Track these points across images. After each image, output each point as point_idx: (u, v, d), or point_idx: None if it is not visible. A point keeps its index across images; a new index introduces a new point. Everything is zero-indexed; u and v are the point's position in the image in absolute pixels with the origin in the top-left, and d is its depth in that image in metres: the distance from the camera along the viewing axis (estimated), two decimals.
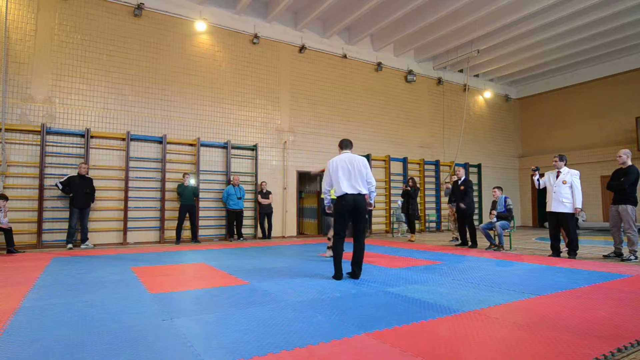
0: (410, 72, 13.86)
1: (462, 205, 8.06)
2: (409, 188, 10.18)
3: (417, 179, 10.76)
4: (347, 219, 4.64)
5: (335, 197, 4.76)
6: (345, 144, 4.92)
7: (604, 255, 6.63)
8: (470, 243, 8.28)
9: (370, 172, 4.73)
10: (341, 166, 4.63)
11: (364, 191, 4.62)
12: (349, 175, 4.60)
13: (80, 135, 8.80)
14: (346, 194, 4.55)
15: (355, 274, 4.63)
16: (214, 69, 10.53)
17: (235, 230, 10.15)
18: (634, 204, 6.24)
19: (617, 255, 6.42)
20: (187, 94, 10.12)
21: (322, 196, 4.90)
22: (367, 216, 4.67)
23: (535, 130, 17.00)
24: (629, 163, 6.38)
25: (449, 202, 9.07)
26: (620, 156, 6.44)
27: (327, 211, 4.97)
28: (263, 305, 3.42)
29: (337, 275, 4.60)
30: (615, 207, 6.39)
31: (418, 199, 10.59)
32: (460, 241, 8.62)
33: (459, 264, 5.90)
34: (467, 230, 8.35)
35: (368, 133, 12.99)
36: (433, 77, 14.71)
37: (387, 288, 4.15)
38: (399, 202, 12.26)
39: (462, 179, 8.34)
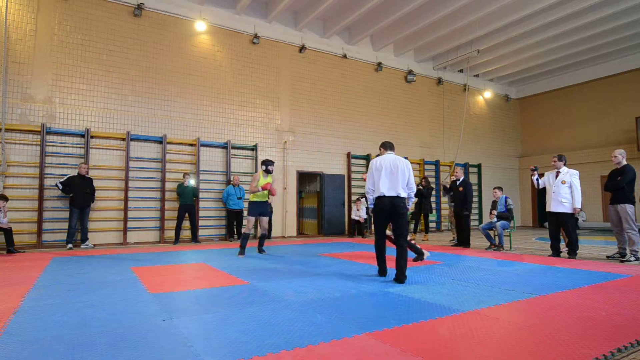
0: (410, 72, 13.86)
1: (465, 212, 8.10)
2: (421, 187, 10.17)
3: (428, 179, 10.70)
4: (384, 220, 4.66)
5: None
6: (388, 145, 4.87)
7: (607, 256, 6.61)
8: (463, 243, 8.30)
9: (412, 176, 4.66)
10: (385, 166, 4.60)
11: (403, 194, 4.55)
12: (390, 176, 4.56)
13: (80, 135, 8.80)
14: (384, 195, 4.54)
15: (399, 278, 4.46)
16: (214, 69, 10.53)
17: (235, 230, 10.15)
18: (632, 202, 6.24)
19: (622, 255, 6.41)
20: (187, 94, 10.12)
21: (367, 196, 4.82)
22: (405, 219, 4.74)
23: (535, 130, 17.00)
24: (624, 163, 6.39)
25: (445, 194, 9.17)
26: (615, 156, 6.44)
27: (371, 212, 4.87)
28: (263, 305, 3.42)
29: (381, 272, 4.81)
30: (614, 207, 6.39)
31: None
32: (457, 241, 8.62)
33: (458, 264, 5.90)
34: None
35: (368, 133, 12.99)
36: (433, 77, 14.71)
37: (387, 288, 4.15)
38: None
39: (461, 179, 8.33)
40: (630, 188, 6.26)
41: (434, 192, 14.08)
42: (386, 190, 4.53)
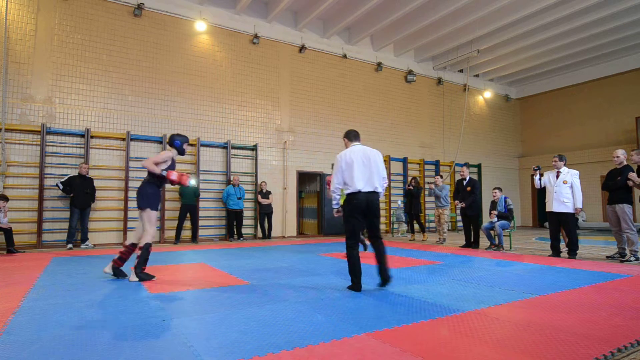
0: (410, 72, 13.87)
1: (462, 204, 8.05)
2: (411, 187, 10.15)
3: (417, 179, 10.73)
4: (360, 221, 4.04)
5: (344, 196, 4.14)
6: (355, 135, 4.29)
7: (607, 257, 6.61)
8: (473, 244, 8.23)
9: (385, 168, 4.21)
10: (356, 159, 4.02)
11: (380, 189, 4.07)
12: (364, 170, 4.01)
13: (80, 135, 8.80)
14: (360, 191, 3.96)
15: (385, 279, 4.01)
16: (214, 69, 10.54)
17: (235, 230, 10.15)
18: (630, 203, 6.24)
19: (622, 255, 6.40)
20: (187, 94, 10.12)
21: (332, 195, 4.17)
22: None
23: (535, 130, 17.01)
24: (625, 163, 6.39)
25: (455, 199, 8.95)
26: (617, 156, 6.42)
27: (336, 214, 4.29)
28: (263, 305, 3.42)
29: (356, 286, 3.99)
30: (612, 207, 6.39)
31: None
32: (465, 242, 8.51)
33: (459, 264, 5.90)
34: (472, 230, 8.26)
35: (368, 133, 12.98)
36: (433, 77, 14.71)
37: (387, 288, 4.15)
38: (399, 202, 12.28)
39: (468, 179, 8.31)
40: (628, 188, 6.26)
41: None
42: (362, 185, 3.96)
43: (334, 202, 4.22)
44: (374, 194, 4.04)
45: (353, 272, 4.02)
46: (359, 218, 4.03)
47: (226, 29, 10.75)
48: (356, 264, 4.00)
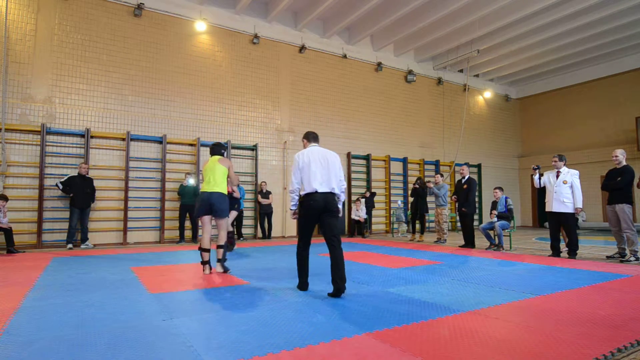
0: (410, 72, 13.86)
1: (463, 209, 8.05)
2: (417, 187, 10.13)
3: (422, 179, 10.68)
4: (314, 221, 3.99)
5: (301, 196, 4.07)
6: (313, 136, 4.31)
7: (607, 257, 6.61)
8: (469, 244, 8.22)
9: (342, 171, 4.16)
10: (314, 160, 4.01)
11: (337, 190, 4.03)
12: (322, 170, 3.99)
13: (80, 135, 8.80)
14: (316, 192, 3.91)
15: (339, 289, 3.75)
16: (214, 69, 10.53)
17: (235, 230, 10.14)
18: (630, 203, 6.24)
19: (622, 255, 6.40)
20: (187, 94, 10.12)
21: (290, 195, 4.13)
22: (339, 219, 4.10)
23: (535, 130, 17.01)
24: (624, 163, 6.39)
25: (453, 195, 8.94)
26: (616, 156, 6.42)
27: (293, 216, 4.16)
28: (263, 305, 3.42)
29: (302, 286, 4.04)
30: (612, 207, 6.39)
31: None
32: (464, 242, 8.50)
33: (459, 264, 5.90)
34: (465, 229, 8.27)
35: (368, 133, 12.99)
36: (433, 77, 14.71)
37: (387, 288, 4.15)
38: (399, 202, 12.28)
39: (466, 177, 8.31)
40: (628, 188, 6.26)
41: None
42: (319, 185, 3.91)
43: (291, 203, 4.16)
44: (331, 195, 3.98)
45: (300, 273, 4.08)
46: (313, 220, 3.98)
47: (226, 29, 10.75)
48: (303, 265, 4.05)
